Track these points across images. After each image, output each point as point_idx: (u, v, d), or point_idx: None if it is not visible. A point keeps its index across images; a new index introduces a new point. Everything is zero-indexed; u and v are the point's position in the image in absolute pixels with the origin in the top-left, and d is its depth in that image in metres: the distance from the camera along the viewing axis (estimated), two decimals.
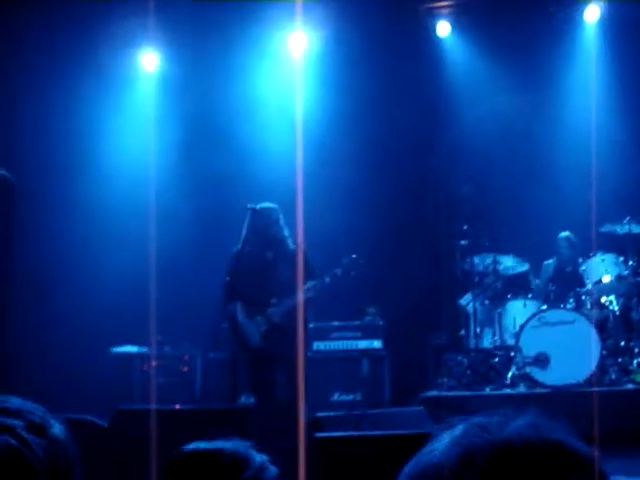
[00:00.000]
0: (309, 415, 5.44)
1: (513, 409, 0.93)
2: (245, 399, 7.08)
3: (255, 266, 6.09)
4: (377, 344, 7.49)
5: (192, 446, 1.83)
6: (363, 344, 7.46)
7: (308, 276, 5.98)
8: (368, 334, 7.50)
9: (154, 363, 7.72)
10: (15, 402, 1.11)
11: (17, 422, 1.07)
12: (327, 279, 6.11)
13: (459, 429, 0.91)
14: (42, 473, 1.05)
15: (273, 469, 1.80)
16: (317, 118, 8.29)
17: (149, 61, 8.96)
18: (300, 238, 5.82)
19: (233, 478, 1.74)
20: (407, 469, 0.92)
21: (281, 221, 6.13)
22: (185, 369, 7.80)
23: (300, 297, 5.89)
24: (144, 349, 7.84)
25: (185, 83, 8.91)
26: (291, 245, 6.14)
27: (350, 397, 7.35)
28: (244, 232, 6.04)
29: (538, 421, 0.90)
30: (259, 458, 1.79)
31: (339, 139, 8.66)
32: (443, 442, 0.90)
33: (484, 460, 0.85)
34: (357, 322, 7.66)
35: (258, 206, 6.11)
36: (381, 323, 7.62)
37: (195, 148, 8.81)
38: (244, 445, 1.80)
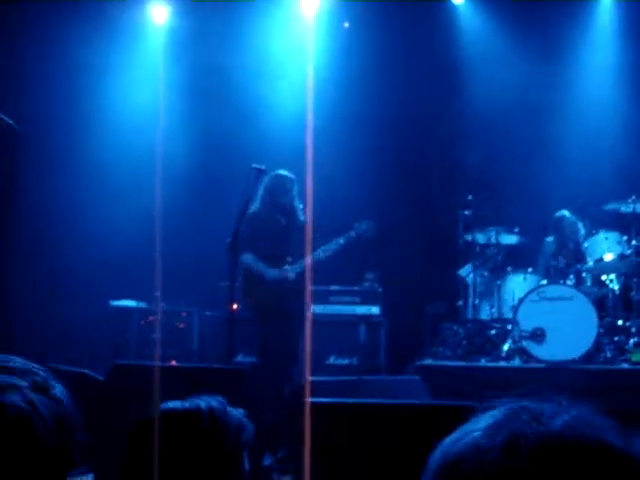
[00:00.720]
0: (304, 378, 5.47)
1: (566, 398, 0.91)
2: (241, 358, 7.13)
3: (270, 228, 6.26)
4: (375, 310, 7.49)
5: (164, 406, 1.77)
6: (361, 310, 7.47)
7: (313, 247, 6.18)
8: (366, 300, 7.51)
9: (151, 318, 7.74)
10: (18, 361, 1.10)
11: (22, 382, 1.06)
12: (341, 240, 6.28)
13: (505, 412, 0.87)
14: (48, 433, 1.04)
15: (250, 426, 1.77)
16: (327, 78, 8.21)
17: (159, 14, 8.84)
18: (309, 210, 5.99)
19: (210, 438, 1.71)
20: (444, 446, 0.88)
21: (294, 191, 6.32)
22: (181, 326, 7.83)
23: (314, 258, 6.11)
24: (142, 304, 7.86)
25: (194, 37, 8.79)
26: (301, 216, 6.33)
27: (346, 361, 7.38)
28: (261, 193, 6.26)
29: (591, 416, 0.87)
30: (236, 414, 1.76)
31: (348, 102, 8.60)
32: (487, 423, 0.86)
33: (531, 451, 0.81)
34: (356, 287, 7.66)
35: (275, 172, 6.31)
36: (380, 289, 7.62)
37: (203, 103, 8.75)
38: (219, 402, 1.76)
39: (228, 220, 5.85)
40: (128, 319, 7.76)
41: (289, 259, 6.24)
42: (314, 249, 6.15)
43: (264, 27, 8.64)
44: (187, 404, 1.76)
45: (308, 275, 6.17)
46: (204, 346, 7.83)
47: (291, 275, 6.19)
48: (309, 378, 5.47)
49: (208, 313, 7.93)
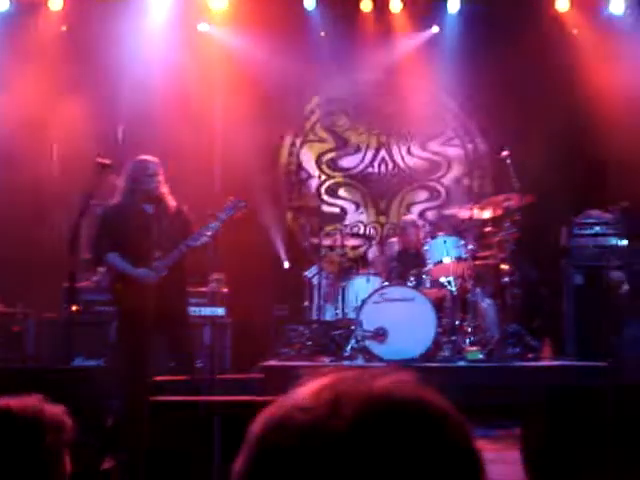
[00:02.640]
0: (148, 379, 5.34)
1: (390, 367, 0.92)
2: (80, 362, 6.85)
3: (135, 220, 5.68)
4: (220, 311, 7.43)
5: None
6: (206, 311, 7.38)
7: (187, 233, 5.67)
8: (212, 301, 7.43)
9: None
10: None
11: None
12: (217, 223, 5.71)
13: (332, 376, 0.88)
14: None
15: (70, 424, 1.68)
16: None
17: None
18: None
19: (24, 437, 1.62)
20: (269, 409, 0.88)
21: (159, 176, 5.75)
22: (16, 329, 7.45)
23: (188, 246, 5.58)
24: None
25: None
26: (171, 201, 5.79)
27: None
28: (122, 183, 5.71)
29: (413, 381, 0.89)
30: (55, 411, 1.67)
31: None
32: (311, 387, 0.87)
33: (353, 408, 0.83)
34: (202, 288, 7.57)
35: (136, 158, 5.79)
36: (225, 291, 7.58)
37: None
38: (36, 400, 1.67)
39: (100, 212, 5.60)
40: None
41: (158, 253, 5.62)
42: (186, 236, 5.65)
43: None
44: None
45: (183, 270, 5.71)
46: (41, 350, 7.48)
47: (161, 272, 5.59)
48: (154, 378, 5.36)
49: (46, 315, 7.59)
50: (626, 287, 6.86)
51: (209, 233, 5.67)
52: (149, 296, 5.52)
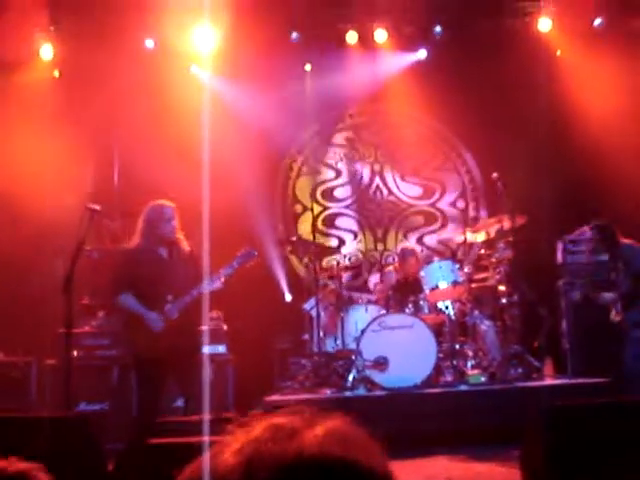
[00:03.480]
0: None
1: (317, 410, 0.89)
2: (84, 406, 6.86)
3: (150, 264, 5.74)
4: (221, 349, 7.46)
5: None
6: (208, 349, 7.41)
7: (199, 278, 5.68)
8: (212, 339, 7.46)
9: None
10: None
11: None
12: (229, 270, 5.79)
13: (258, 428, 0.86)
14: None
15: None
16: None
17: None
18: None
19: None
20: (190, 469, 0.86)
21: (174, 221, 5.82)
22: (17, 376, 7.46)
23: (199, 291, 5.62)
24: None
25: None
26: (185, 246, 5.87)
27: None
28: (140, 226, 5.79)
29: (338, 430, 0.86)
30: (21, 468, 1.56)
31: None
32: (233, 446, 0.85)
33: (269, 469, 0.80)
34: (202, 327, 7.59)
35: (154, 202, 5.86)
36: (225, 327, 7.60)
37: None
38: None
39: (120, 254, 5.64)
40: None
41: (170, 297, 5.67)
42: (200, 281, 5.67)
43: None
44: None
45: (199, 310, 5.70)
46: (43, 396, 7.48)
47: (172, 316, 5.63)
48: (154, 419, 5.35)
49: (48, 362, 7.60)
50: (617, 311, 6.83)
51: (222, 279, 5.74)
52: (163, 339, 5.59)
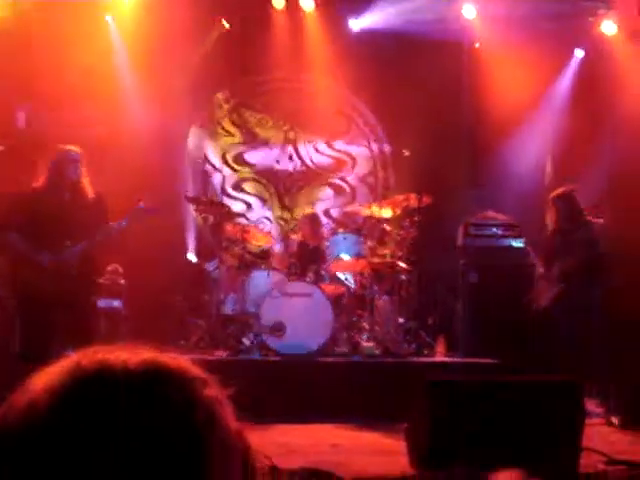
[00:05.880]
0: None
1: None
2: None
3: (50, 206, 5.66)
4: (116, 303, 7.33)
5: None
6: (102, 303, 7.27)
7: (101, 226, 5.69)
8: (108, 292, 7.32)
9: None
10: None
11: None
12: (123, 223, 5.76)
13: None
14: None
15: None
16: None
17: None
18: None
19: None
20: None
21: (80, 166, 5.76)
22: None
23: (96, 239, 5.61)
24: None
25: None
26: (90, 192, 5.79)
27: None
28: (47, 168, 5.73)
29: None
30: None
31: None
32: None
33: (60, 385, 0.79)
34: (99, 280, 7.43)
35: (62, 147, 5.80)
36: (122, 282, 7.46)
37: None
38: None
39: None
40: None
41: (68, 242, 5.61)
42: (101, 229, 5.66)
43: None
44: None
45: (92, 261, 5.70)
46: None
47: (68, 259, 5.57)
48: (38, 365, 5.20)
49: None
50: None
51: (119, 229, 5.74)
52: (53, 283, 5.51)
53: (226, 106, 10.14)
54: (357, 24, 9.88)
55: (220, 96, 10.08)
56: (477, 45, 9.71)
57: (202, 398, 0.82)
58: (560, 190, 7.10)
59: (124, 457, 0.76)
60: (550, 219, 7.09)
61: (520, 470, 1.22)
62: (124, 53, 9.12)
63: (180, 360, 0.86)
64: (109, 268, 7.26)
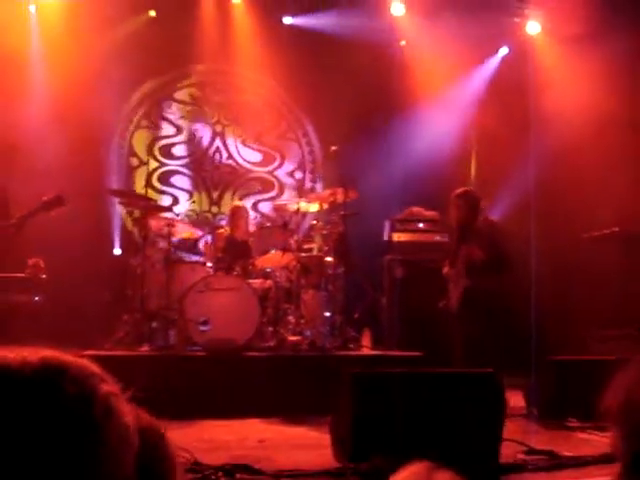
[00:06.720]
0: None
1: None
2: None
3: None
4: (37, 299, 7.13)
5: None
6: (21, 298, 7.06)
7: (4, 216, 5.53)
8: (26, 287, 7.11)
9: None
10: None
11: None
12: (28, 214, 5.71)
13: None
14: None
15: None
16: None
17: None
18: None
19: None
20: None
21: None
22: None
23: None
24: None
25: None
26: None
27: None
28: None
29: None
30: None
31: None
32: None
33: None
34: (19, 274, 7.23)
35: None
36: (43, 276, 7.27)
37: None
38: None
39: None
40: None
41: None
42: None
43: None
44: None
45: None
46: None
47: None
48: None
49: None
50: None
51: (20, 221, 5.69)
52: None
53: (151, 98, 9.99)
54: (288, 19, 9.87)
55: (145, 87, 9.93)
56: (403, 43, 9.83)
57: (100, 393, 0.85)
58: (461, 189, 7.20)
59: (18, 450, 0.78)
60: (452, 217, 7.16)
61: (433, 461, 1.23)
62: (44, 43, 8.89)
63: (79, 358, 0.89)
64: (30, 262, 7.05)
